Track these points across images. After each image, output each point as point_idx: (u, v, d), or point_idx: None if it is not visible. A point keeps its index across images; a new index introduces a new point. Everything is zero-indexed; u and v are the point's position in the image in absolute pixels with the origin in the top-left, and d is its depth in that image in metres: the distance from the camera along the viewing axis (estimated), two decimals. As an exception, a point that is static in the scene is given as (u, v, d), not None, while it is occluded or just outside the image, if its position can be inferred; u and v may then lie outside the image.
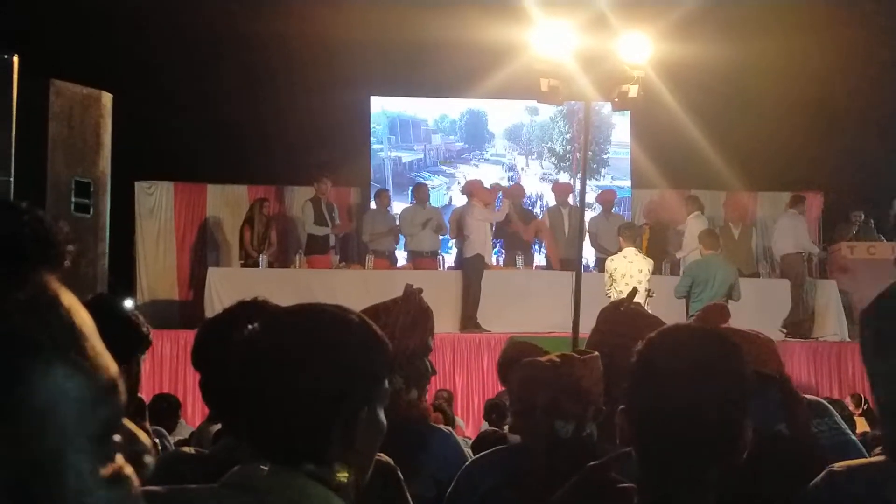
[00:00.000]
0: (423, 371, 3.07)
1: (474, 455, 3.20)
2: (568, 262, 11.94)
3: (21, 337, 0.79)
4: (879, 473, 2.27)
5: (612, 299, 10.74)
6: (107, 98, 7.09)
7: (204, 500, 1.53)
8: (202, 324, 2.37)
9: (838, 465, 2.31)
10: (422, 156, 15.84)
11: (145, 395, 9.22)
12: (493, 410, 8.52)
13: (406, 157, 15.80)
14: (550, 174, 15.72)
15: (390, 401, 2.92)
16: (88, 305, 2.66)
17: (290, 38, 13.98)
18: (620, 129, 15.94)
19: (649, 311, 10.31)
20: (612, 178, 15.99)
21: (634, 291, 3.69)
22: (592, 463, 1.92)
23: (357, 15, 13.84)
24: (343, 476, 1.51)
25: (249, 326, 1.58)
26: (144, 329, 2.81)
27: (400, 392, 2.98)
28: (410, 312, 3.03)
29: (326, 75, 14.62)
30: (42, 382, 0.78)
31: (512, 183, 15.04)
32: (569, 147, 15.69)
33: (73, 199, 6.71)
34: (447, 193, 15.47)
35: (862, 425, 8.50)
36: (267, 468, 1.50)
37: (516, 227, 13.41)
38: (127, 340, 2.71)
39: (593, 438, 2.71)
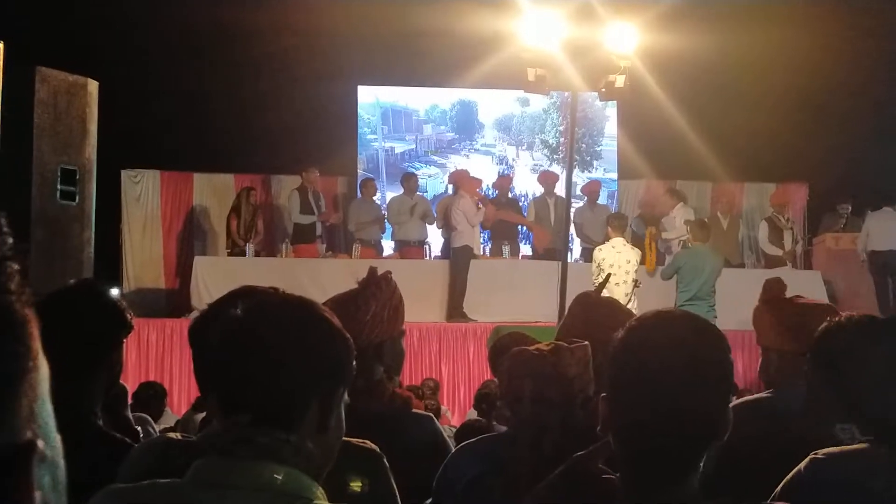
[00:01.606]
0: (401, 355, 3.12)
1: (457, 444, 3.22)
2: (554, 251, 11.95)
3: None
4: (859, 459, 2.30)
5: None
6: (93, 85, 7.07)
7: (171, 495, 1.54)
8: (210, 304, 2.37)
9: (821, 452, 2.35)
10: (413, 146, 15.83)
11: (131, 382, 9.22)
12: (482, 400, 8.51)
13: (399, 147, 15.78)
14: (542, 165, 15.67)
15: (373, 390, 2.95)
16: (73, 290, 2.63)
17: (279, 27, 13.94)
18: (615, 121, 15.94)
19: (635, 301, 10.35)
20: (604, 170, 15.97)
21: (607, 279, 3.73)
22: (578, 454, 1.92)
23: (344, 4, 13.81)
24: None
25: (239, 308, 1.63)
26: (129, 315, 2.82)
27: (382, 381, 2.99)
28: (393, 300, 3.06)
29: (313, 64, 14.59)
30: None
31: (502, 175, 15.01)
32: (562, 139, 15.67)
33: (58, 187, 6.70)
34: (443, 182, 15.42)
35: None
36: (229, 459, 1.52)
37: (503, 215, 13.42)
38: (115, 326, 2.72)
39: (581, 427, 2.71)
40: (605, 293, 11.15)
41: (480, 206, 12.51)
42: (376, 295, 3.00)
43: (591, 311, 3.24)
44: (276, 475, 1.49)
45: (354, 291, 3.02)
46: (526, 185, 15.50)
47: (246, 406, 1.57)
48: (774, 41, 13.78)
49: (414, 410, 3.14)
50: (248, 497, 1.48)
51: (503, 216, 13.34)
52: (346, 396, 1.65)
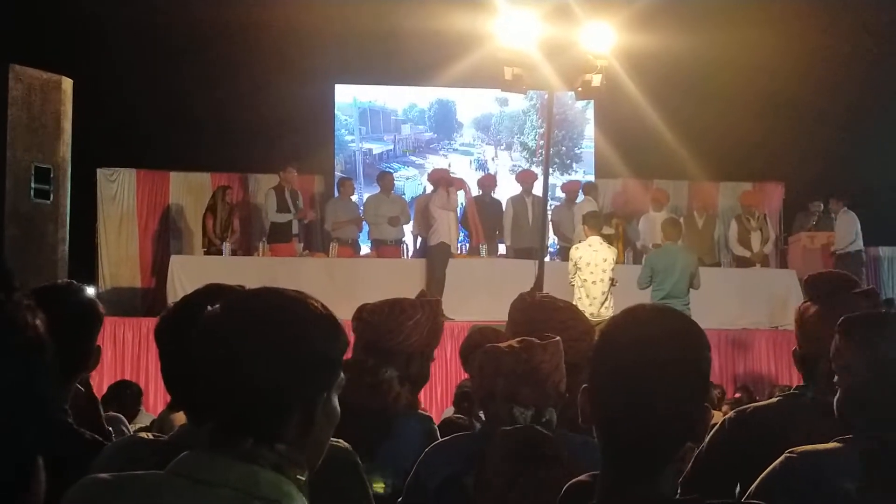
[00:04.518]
0: (424, 375, 3.16)
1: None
2: (531, 251, 11.96)
3: None
4: (833, 458, 2.32)
5: (575, 287, 10.79)
6: (67, 83, 7.03)
7: (149, 486, 1.52)
8: (177, 301, 2.32)
9: (796, 450, 2.36)
10: (391, 146, 15.77)
11: (107, 381, 9.17)
12: (463, 399, 8.48)
13: (377, 148, 15.72)
14: (520, 166, 15.60)
15: (376, 389, 2.96)
16: (46, 289, 2.59)
17: (256, 25, 13.90)
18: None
19: (611, 299, 10.29)
20: (584, 172, 15.92)
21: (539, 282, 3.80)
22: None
23: (321, 2, 13.78)
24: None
25: (213, 305, 1.59)
26: (100, 309, 2.82)
27: (391, 382, 3.00)
28: (435, 322, 3.20)
29: (291, 62, 14.55)
30: None
31: (486, 174, 14.95)
32: (541, 142, 15.62)
33: (32, 185, 6.65)
34: (421, 184, 15.36)
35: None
36: (212, 455, 1.51)
37: (474, 223, 13.46)
38: (95, 326, 2.72)
39: (552, 424, 2.72)
40: (582, 292, 11.14)
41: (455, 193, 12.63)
42: (424, 307, 3.13)
43: (530, 312, 3.23)
44: (255, 477, 1.47)
45: (408, 300, 3.20)
46: (505, 187, 15.43)
47: (224, 411, 1.54)
48: (750, 41, 13.84)
49: (413, 411, 3.17)
50: (226, 495, 1.46)
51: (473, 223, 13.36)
52: (328, 401, 1.60)
